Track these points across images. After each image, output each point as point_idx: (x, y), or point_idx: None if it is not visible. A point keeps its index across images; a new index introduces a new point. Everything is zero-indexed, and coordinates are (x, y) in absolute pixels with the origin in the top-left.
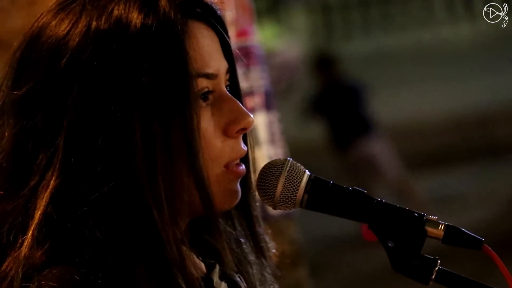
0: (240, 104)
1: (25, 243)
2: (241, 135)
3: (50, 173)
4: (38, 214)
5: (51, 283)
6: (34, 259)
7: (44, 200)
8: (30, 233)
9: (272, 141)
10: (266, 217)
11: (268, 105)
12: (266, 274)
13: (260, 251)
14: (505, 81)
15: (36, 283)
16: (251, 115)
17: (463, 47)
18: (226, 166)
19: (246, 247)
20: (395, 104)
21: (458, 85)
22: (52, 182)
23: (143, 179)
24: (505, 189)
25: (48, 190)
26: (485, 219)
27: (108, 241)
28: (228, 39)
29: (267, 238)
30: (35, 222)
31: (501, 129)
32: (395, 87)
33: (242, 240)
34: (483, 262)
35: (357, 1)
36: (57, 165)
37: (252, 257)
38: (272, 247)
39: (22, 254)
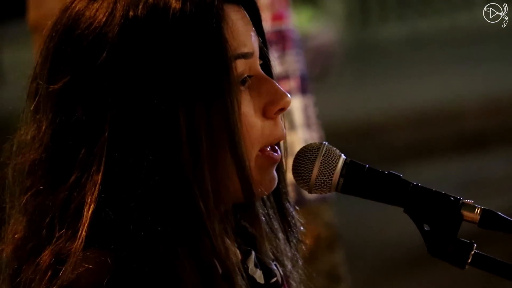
0: (277, 84)
1: (78, 239)
2: (280, 117)
3: (94, 168)
4: (90, 211)
5: (86, 265)
6: (69, 248)
7: (94, 196)
8: (83, 231)
9: (307, 125)
10: (302, 200)
11: (303, 89)
12: (295, 251)
13: (287, 225)
14: None
15: (71, 266)
16: (289, 95)
17: (500, 29)
18: (262, 150)
19: (276, 223)
20: (430, 87)
21: (496, 66)
22: (98, 177)
23: (189, 169)
24: None
25: (97, 187)
26: None
27: (150, 232)
28: (260, 18)
29: (295, 214)
30: (87, 221)
31: None
32: (431, 71)
33: (272, 217)
34: None
35: None
36: (102, 160)
37: (281, 234)
38: (300, 224)
39: (60, 246)
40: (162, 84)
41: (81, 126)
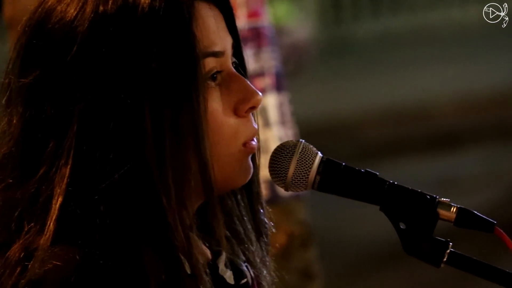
0: (248, 82)
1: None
2: (251, 114)
3: (63, 161)
4: (58, 203)
5: (54, 261)
6: (38, 242)
7: (62, 188)
8: (51, 224)
9: (282, 122)
10: (275, 198)
11: (278, 86)
12: (266, 253)
13: (257, 227)
14: None
15: (38, 262)
16: (260, 93)
17: (473, 29)
18: (244, 144)
19: (248, 224)
20: (404, 85)
21: (468, 66)
22: (66, 170)
23: (152, 163)
24: (511, 173)
25: (65, 179)
26: (493, 201)
27: (116, 227)
28: (233, 16)
29: (265, 216)
30: (55, 213)
31: (509, 111)
32: (404, 68)
33: (245, 217)
34: (494, 244)
35: None
36: (70, 153)
37: (253, 236)
38: (270, 226)
39: (30, 240)
40: (130, 78)
41: (50, 120)
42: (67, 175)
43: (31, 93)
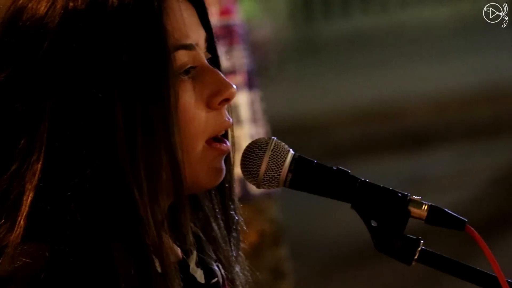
0: (222, 75)
1: (15, 227)
2: (225, 107)
3: (34, 158)
4: (29, 200)
5: (23, 258)
6: (8, 239)
7: (33, 185)
8: (22, 220)
9: (254, 120)
10: (247, 196)
11: (250, 84)
12: (237, 250)
13: (227, 223)
14: (486, 62)
15: (8, 258)
16: (234, 86)
17: (444, 28)
18: (209, 142)
19: (221, 221)
20: (374, 84)
21: (439, 66)
22: (38, 166)
23: (124, 157)
24: (484, 171)
25: (36, 176)
26: (463, 201)
27: (87, 223)
28: (205, 10)
29: (236, 212)
30: (26, 209)
31: (481, 110)
32: (375, 67)
33: (218, 215)
34: (467, 243)
35: None
36: (42, 150)
37: (225, 233)
38: (241, 222)
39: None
40: (100, 72)
41: (22, 117)
42: (38, 171)
43: (3, 91)
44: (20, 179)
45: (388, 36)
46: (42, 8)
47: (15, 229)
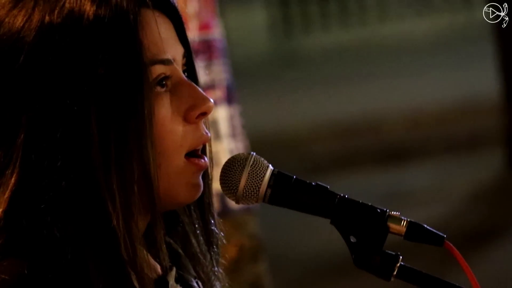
0: (199, 89)
1: None
2: (202, 121)
3: (10, 171)
4: (0, 212)
5: (2, 275)
6: None
7: (5, 197)
8: None
9: (233, 134)
10: (226, 211)
11: (229, 99)
12: (217, 265)
13: (208, 238)
14: (464, 76)
15: None
16: (211, 100)
17: (422, 42)
18: (187, 157)
19: (200, 237)
20: (353, 99)
21: (417, 81)
22: (12, 179)
23: (98, 170)
24: (462, 186)
25: (9, 188)
26: (442, 216)
27: (64, 237)
28: (182, 25)
29: (216, 227)
30: None
31: (459, 125)
32: (354, 82)
33: (198, 231)
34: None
35: None
36: (17, 162)
37: (204, 248)
38: (221, 237)
39: None
40: (76, 85)
41: None
42: (12, 184)
43: None
44: None
45: (367, 51)
46: (18, 22)
47: None
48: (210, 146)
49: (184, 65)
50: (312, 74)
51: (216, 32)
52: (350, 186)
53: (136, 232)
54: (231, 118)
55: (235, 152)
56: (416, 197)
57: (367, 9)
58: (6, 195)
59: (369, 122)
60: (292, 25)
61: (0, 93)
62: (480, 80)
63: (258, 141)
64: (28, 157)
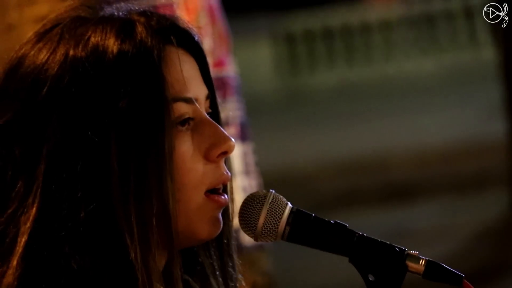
0: (221, 128)
1: (9, 271)
2: (223, 160)
3: (30, 201)
4: (22, 241)
5: None
6: (5, 284)
7: (27, 227)
8: (15, 261)
9: (246, 172)
10: (239, 247)
11: (243, 136)
12: None
13: (225, 279)
14: (470, 115)
15: None
16: (232, 139)
17: (428, 80)
18: (207, 194)
19: (220, 277)
20: (359, 137)
21: (423, 119)
22: (33, 209)
23: (117, 203)
24: (468, 225)
25: (31, 218)
26: (447, 255)
27: (81, 269)
28: (207, 65)
29: (235, 269)
30: (20, 251)
31: (465, 164)
32: (360, 120)
33: (217, 272)
34: None
35: (321, 33)
36: (38, 193)
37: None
38: (240, 279)
39: None
40: (97, 118)
41: (18, 160)
42: (33, 213)
43: (3, 135)
44: (16, 222)
45: (372, 89)
46: (43, 55)
47: (9, 271)
48: (231, 185)
49: (207, 105)
50: (318, 112)
51: (230, 69)
52: (356, 224)
53: (154, 266)
54: (244, 155)
55: (249, 190)
56: (421, 235)
57: (373, 47)
58: (28, 225)
59: (375, 160)
60: (298, 62)
61: (23, 124)
62: (486, 119)
63: (264, 178)
64: (49, 188)
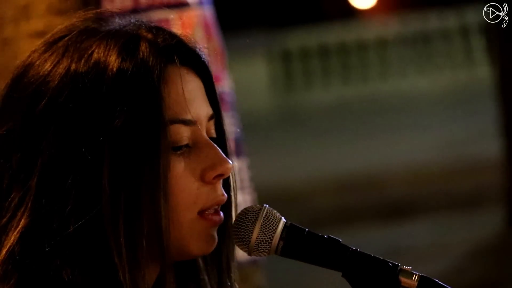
0: (219, 150)
1: None
2: (220, 182)
3: (21, 212)
4: (4, 250)
5: None
6: None
7: (12, 238)
8: None
9: (241, 187)
10: None
11: (238, 152)
12: None
13: None
14: (465, 133)
15: None
16: (230, 162)
17: (423, 99)
18: (201, 213)
19: None
20: (354, 154)
21: (419, 136)
22: (22, 221)
23: (106, 222)
24: (464, 243)
25: (18, 229)
26: (443, 272)
27: (72, 282)
28: (213, 85)
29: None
30: (2, 256)
31: (460, 182)
32: (355, 138)
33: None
34: None
35: (317, 51)
36: (29, 205)
37: None
38: None
39: None
40: (92, 135)
41: (14, 170)
42: (22, 224)
43: (2, 144)
44: (7, 234)
45: (368, 107)
46: (47, 66)
47: None
48: (235, 199)
49: (210, 125)
50: (313, 130)
51: (225, 85)
52: (351, 241)
53: (143, 286)
54: (239, 171)
55: (243, 205)
56: (416, 253)
57: (369, 65)
58: (16, 232)
59: (369, 178)
60: (294, 80)
61: (21, 134)
62: (481, 137)
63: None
64: (40, 200)
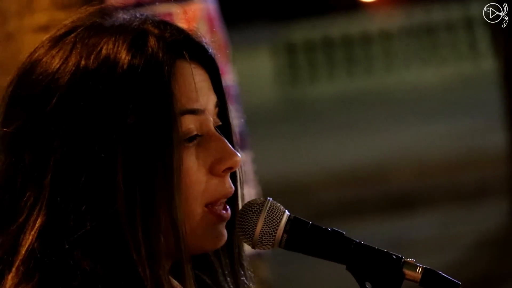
0: (228, 143)
1: (9, 279)
2: (228, 175)
3: (36, 211)
4: (23, 250)
5: None
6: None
7: (30, 236)
8: (14, 268)
9: (245, 181)
10: None
11: (242, 145)
12: None
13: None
14: (470, 125)
15: None
16: (239, 154)
17: (428, 91)
18: (208, 206)
19: (232, 285)
20: (359, 147)
21: (424, 129)
22: (39, 219)
23: (123, 218)
24: (468, 235)
25: (35, 227)
26: (447, 264)
27: (94, 274)
28: (219, 76)
29: (246, 277)
30: (19, 258)
31: (465, 174)
32: (360, 130)
33: (228, 278)
34: None
35: (322, 43)
36: (44, 203)
37: None
38: (251, 287)
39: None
40: (104, 132)
41: (27, 169)
42: (39, 222)
43: (12, 143)
44: (25, 232)
45: (373, 99)
46: (55, 63)
47: (9, 275)
48: (242, 191)
49: (217, 114)
50: (318, 122)
51: (229, 78)
52: (355, 233)
53: (163, 275)
54: (243, 164)
55: (247, 198)
56: (421, 245)
57: (373, 57)
58: (33, 231)
59: (374, 170)
60: (298, 72)
61: (32, 134)
62: (486, 129)
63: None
64: (55, 199)
